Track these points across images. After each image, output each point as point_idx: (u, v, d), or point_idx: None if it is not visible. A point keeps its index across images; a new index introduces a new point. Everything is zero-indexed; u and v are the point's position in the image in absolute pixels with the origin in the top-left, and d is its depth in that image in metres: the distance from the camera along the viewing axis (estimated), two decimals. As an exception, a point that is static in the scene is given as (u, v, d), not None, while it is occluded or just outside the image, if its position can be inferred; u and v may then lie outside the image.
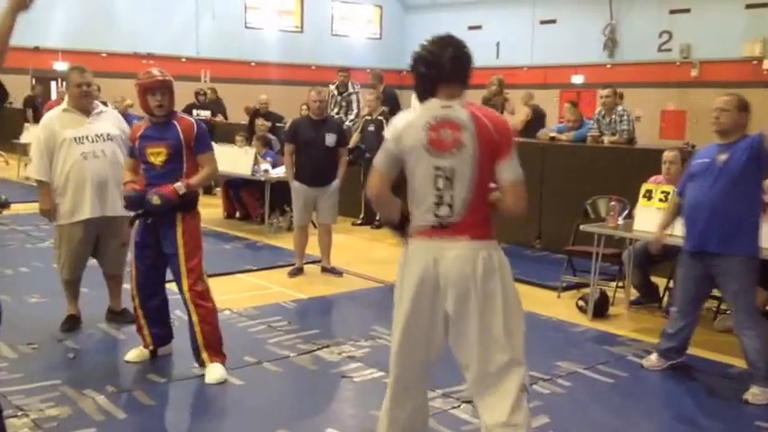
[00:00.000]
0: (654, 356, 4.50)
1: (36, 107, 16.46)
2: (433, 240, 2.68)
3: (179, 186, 4.02)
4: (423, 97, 2.73)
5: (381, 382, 4.12)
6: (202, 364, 4.15)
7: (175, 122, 4.13)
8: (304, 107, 9.09)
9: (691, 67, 19.37)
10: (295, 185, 6.57)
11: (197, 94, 12.42)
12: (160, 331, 4.39)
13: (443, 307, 2.68)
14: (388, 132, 2.77)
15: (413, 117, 2.72)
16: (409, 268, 2.72)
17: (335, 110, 10.25)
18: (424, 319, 2.71)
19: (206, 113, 11.75)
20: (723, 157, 4.13)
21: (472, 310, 2.65)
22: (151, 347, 4.39)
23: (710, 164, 4.18)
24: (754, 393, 4.03)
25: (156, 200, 3.96)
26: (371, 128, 8.83)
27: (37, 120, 15.95)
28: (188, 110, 11.32)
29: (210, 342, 4.15)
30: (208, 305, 4.15)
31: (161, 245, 4.15)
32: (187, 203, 4.11)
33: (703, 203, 4.16)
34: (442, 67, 2.68)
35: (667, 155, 5.52)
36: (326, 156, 6.51)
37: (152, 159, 4.12)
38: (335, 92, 10.41)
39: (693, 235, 4.24)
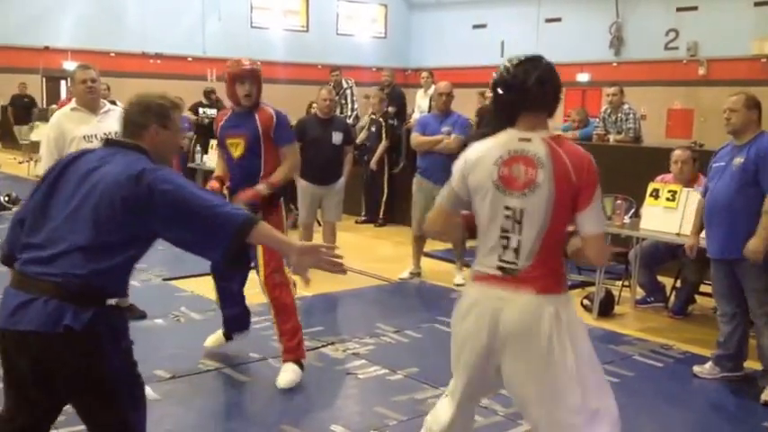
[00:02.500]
0: (708, 365, 4.37)
1: (25, 107, 16.34)
2: (493, 289, 2.41)
3: (262, 188, 3.95)
4: (500, 125, 2.46)
5: (385, 379, 4.15)
6: (284, 362, 4.09)
7: (255, 113, 4.09)
8: (314, 106, 9.14)
9: (698, 66, 19.30)
10: (301, 184, 6.59)
11: (207, 93, 12.41)
12: (234, 314, 4.43)
13: (498, 360, 2.45)
14: (457, 165, 2.50)
15: (485, 150, 2.44)
16: (466, 318, 2.47)
17: (336, 109, 10.31)
18: (481, 373, 2.50)
19: (212, 112, 11.77)
20: (739, 160, 4.09)
21: (531, 367, 2.39)
22: (224, 330, 4.48)
23: (726, 167, 4.15)
24: (703, 367, 4.08)
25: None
26: (374, 128, 9.00)
27: (19, 121, 16.06)
28: (194, 108, 11.36)
29: (284, 336, 4.07)
30: (284, 298, 4.05)
31: None
32: (268, 199, 4.05)
33: (720, 206, 4.14)
34: (526, 91, 2.39)
35: (679, 154, 5.44)
36: (333, 154, 6.54)
37: (231, 150, 4.11)
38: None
39: (713, 240, 4.22)
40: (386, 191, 9.04)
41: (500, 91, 2.46)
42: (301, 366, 4.10)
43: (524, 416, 2.61)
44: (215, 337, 4.57)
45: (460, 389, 2.58)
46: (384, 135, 8.88)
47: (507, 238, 2.38)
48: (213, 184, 4.21)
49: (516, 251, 2.37)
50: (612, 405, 2.46)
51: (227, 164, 4.21)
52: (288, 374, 4.02)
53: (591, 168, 2.39)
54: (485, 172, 2.39)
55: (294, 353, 4.09)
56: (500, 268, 2.40)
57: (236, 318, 4.49)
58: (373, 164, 8.86)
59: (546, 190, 2.33)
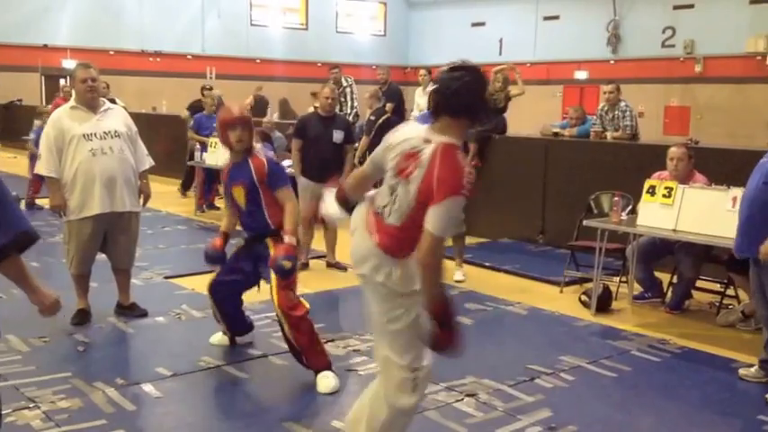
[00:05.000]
0: (754, 368, 4.26)
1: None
2: (369, 223, 2.87)
3: (290, 240, 4.02)
4: (431, 118, 2.77)
5: (387, 375, 4.18)
6: (315, 371, 4.09)
7: (249, 161, 4.17)
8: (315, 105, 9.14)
9: (694, 63, 19.34)
10: (302, 181, 6.62)
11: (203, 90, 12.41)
12: (235, 326, 4.56)
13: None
14: (384, 139, 2.88)
15: (401, 139, 2.79)
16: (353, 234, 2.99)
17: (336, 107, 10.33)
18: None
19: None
20: (764, 160, 4.09)
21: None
22: (228, 334, 4.59)
23: (762, 165, 4.11)
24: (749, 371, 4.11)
25: (286, 264, 3.93)
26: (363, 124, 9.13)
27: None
28: (192, 108, 11.39)
29: (307, 348, 4.06)
30: (296, 314, 4.03)
31: (257, 266, 4.23)
32: (276, 231, 4.16)
33: (745, 204, 4.14)
34: (446, 98, 2.69)
35: (674, 151, 5.47)
36: (334, 152, 6.57)
37: (237, 199, 4.24)
38: None
39: (737, 237, 4.20)
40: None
41: (432, 90, 2.78)
42: (334, 372, 4.09)
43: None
44: (219, 337, 4.62)
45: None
46: (370, 132, 8.90)
47: (386, 205, 2.81)
48: (216, 242, 4.34)
49: (389, 213, 2.80)
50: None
51: (237, 212, 4.31)
52: (325, 380, 4.01)
53: (452, 181, 2.60)
54: (391, 156, 2.80)
55: (322, 362, 4.09)
56: (378, 212, 2.86)
57: (237, 330, 4.60)
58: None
59: (414, 185, 2.68)
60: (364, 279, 2.91)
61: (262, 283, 4.30)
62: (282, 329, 4.09)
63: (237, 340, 4.62)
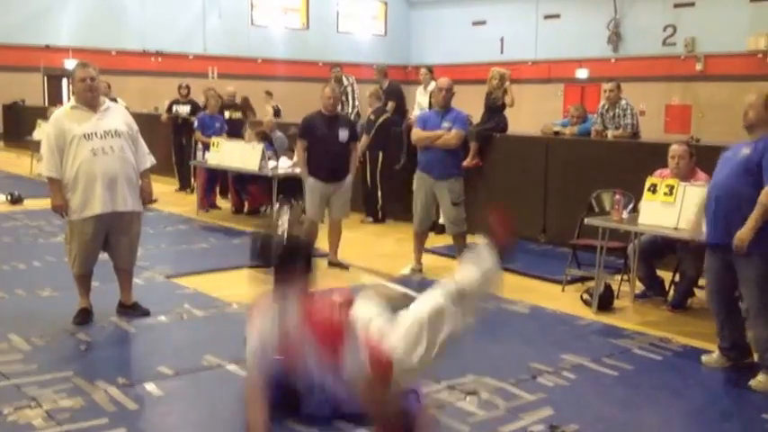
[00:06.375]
0: (715, 354, 4.37)
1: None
2: None
3: None
4: None
5: (388, 374, 4.18)
6: None
7: None
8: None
9: (695, 61, 19.35)
10: (310, 182, 6.61)
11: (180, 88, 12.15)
12: None
13: None
14: None
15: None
16: None
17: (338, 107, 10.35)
18: None
19: (186, 108, 11.59)
20: (746, 151, 4.13)
21: None
22: None
23: (733, 158, 4.19)
24: (759, 381, 4.08)
25: None
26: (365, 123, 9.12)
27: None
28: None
29: None
30: None
31: None
32: None
33: (715, 192, 4.20)
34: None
35: (676, 149, 5.47)
36: (341, 151, 6.57)
37: None
38: None
39: (708, 227, 4.28)
40: (374, 186, 9.04)
41: None
42: None
43: None
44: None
45: None
46: (370, 130, 8.91)
47: None
48: None
49: None
50: None
51: None
52: None
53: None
54: None
55: None
56: None
57: None
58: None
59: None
60: None
61: None
62: None
63: (236, 339, 4.57)
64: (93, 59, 6.12)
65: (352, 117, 10.01)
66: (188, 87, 11.75)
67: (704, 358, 4.46)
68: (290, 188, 7.75)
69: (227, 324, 4.87)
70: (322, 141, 6.51)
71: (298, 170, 7.23)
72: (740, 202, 4.08)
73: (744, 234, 4.01)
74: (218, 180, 10.21)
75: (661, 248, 5.62)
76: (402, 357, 2.69)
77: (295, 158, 7.85)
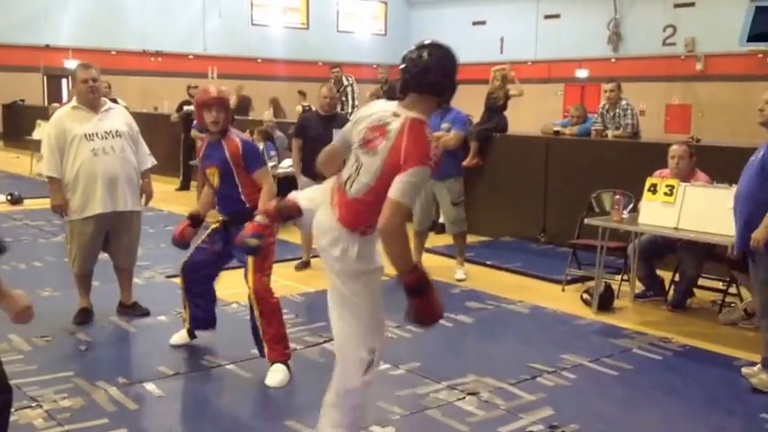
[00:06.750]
0: (757, 367, 4.16)
1: None
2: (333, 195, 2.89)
3: (261, 219, 3.84)
4: (399, 95, 2.80)
5: (388, 374, 4.18)
6: (270, 362, 4.13)
7: (223, 142, 4.18)
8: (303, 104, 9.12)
9: (695, 61, 19.35)
10: (303, 180, 6.62)
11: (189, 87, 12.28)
12: (200, 315, 4.51)
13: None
14: (355, 114, 2.98)
15: (371, 113, 2.83)
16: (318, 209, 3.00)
17: (337, 107, 10.34)
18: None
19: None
20: (761, 153, 4.10)
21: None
22: (188, 327, 4.54)
23: (754, 161, 4.14)
24: (761, 379, 4.06)
25: (251, 242, 3.68)
26: None
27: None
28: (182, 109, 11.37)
29: (271, 340, 4.09)
30: (271, 301, 4.09)
31: (230, 247, 4.19)
32: (253, 212, 4.06)
33: (738, 199, 4.16)
34: (412, 74, 2.72)
35: (676, 149, 5.47)
36: None
37: (211, 179, 4.25)
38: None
39: (736, 234, 4.22)
40: None
41: (400, 67, 2.79)
42: (288, 367, 4.12)
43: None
44: (180, 336, 4.59)
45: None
46: None
47: (350, 177, 2.81)
48: (185, 231, 4.30)
49: (351, 185, 2.80)
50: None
51: (212, 192, 4.32)
52: (277, 374, 4.04)
53: (419, 152, 2.64)
54: (359, 128, 2.83)
55: (281, 355, 4.12)
56: (342, 186, 2.85)
57: (199, 319, 4.56)
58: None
59: (379, 157, 2.70)
60: (323, 253, 2.92)
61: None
62: (252, 314, 4.13)
63: (237, 339, 4.60)
64: (93, 59, 6.13)
65: (352, 117, 10.01)
66: (197, 87, 11.82)
67: (745, 370, 4.22)
68: (290, 188, 7.73)
69: (228, 324, 4.87)
70: (315, 141, 6.49)
71: (296, 169, 7.23)
72: (759, 205, 4.02)
73: (760, 234, 3.97)
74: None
75: (661, 248, 5.63)
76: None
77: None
